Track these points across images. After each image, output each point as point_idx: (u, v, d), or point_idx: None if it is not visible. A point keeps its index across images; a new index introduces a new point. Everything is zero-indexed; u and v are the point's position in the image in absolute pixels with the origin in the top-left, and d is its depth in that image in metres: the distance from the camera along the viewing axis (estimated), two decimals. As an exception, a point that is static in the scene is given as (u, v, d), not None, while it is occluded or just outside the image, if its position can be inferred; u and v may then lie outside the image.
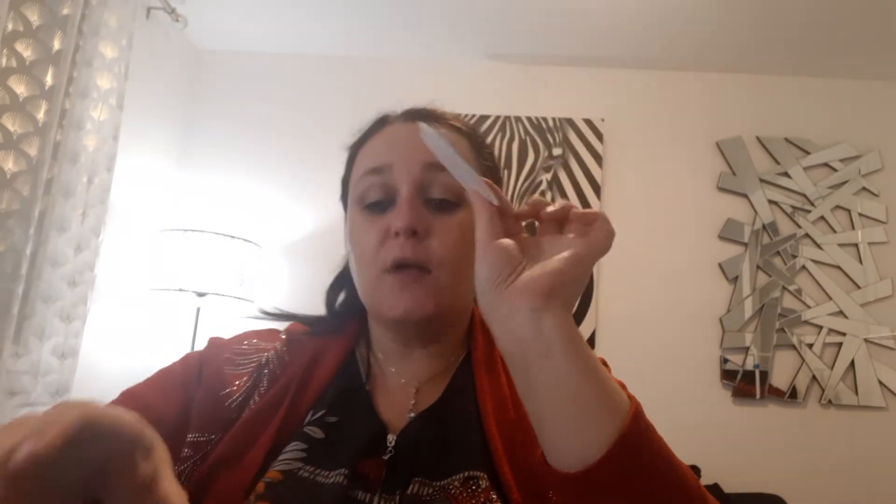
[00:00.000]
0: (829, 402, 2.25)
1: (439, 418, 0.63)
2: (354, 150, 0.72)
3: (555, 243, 0.50)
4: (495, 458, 0.58)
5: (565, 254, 0.48)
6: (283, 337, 0.71)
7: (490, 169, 0.71)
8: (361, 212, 0.66)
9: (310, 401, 0.64)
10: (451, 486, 0.55)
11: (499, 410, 0.62)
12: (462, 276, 0.64)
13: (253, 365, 0.67)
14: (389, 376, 0.69)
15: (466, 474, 0.56)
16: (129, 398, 0.63)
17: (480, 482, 0.55)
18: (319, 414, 0.62)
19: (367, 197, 0.65)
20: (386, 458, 0.59)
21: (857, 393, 2.24)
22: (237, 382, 0.65)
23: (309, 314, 0.74)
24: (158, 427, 0.59)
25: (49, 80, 1.71)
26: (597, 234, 0.49)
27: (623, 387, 0.50)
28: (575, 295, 0.49)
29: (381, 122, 0.71)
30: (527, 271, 0.48)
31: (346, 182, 0.73)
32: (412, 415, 0.64)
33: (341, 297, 0.76)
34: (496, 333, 0.49)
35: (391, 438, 0.61)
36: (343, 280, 0.76)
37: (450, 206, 0.65)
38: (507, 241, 0.49)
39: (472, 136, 0.71)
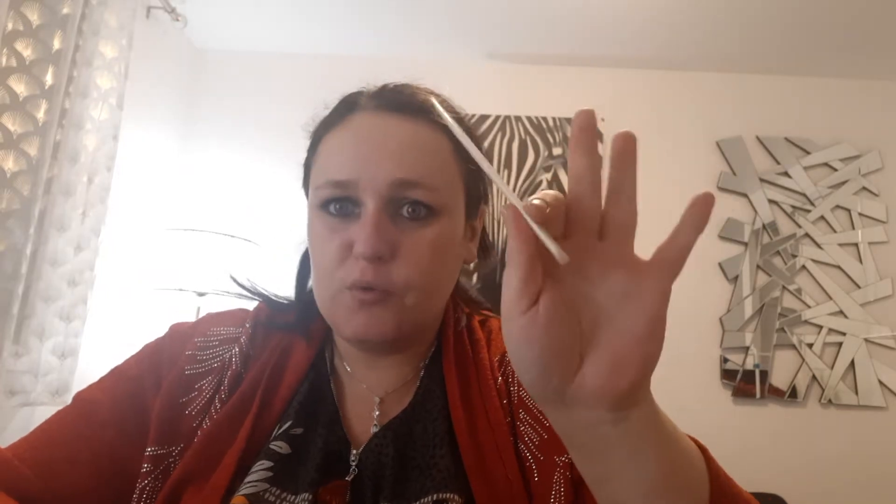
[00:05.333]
0: (829, 401, 2.24)
1: (405, 432, 0.58)
2: (318, 136, 0.63)
3: (610, 282, 0.36)
4: (469, 477, 0.54)
5: (639, 322, 0.35)
6: (248, 325, 0.65)
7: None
8: (321, 215, 0.59)
9: (277, 411, 0.59)
10: None
11: (471, 421, 0.58)
12: (432, 294, 0.59)
13: (217, 363, 0.62)
14: (355, 384, 0.63)
15: (436, 497, 0.52)
16: (83, 407, 0.59)
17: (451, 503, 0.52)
18: (286, 426, 0.58)
19: (328, 202, 0.58)
20: (349, 478, 0.55)
21: (857, 393, 2.24)
22: (198, 385, 0.60)
23: (278, 296, 0.69)
24: (111, 441, 0.57)
25: (49, 79, 1.71)
26: (666, 260, 0.37)
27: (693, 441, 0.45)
28: (654, 366, 0.36)
29: (349, 107, 0.61)
30: (591, 357, 0.36)
31: (307, 168, 0.65)
32: (376, 428, 0.59)
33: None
34: (559, 432, 0.41)
35: (354, 454, 0.57)
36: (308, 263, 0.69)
37: (424, 215, 0.57)
38: (557, 313, 0.35)
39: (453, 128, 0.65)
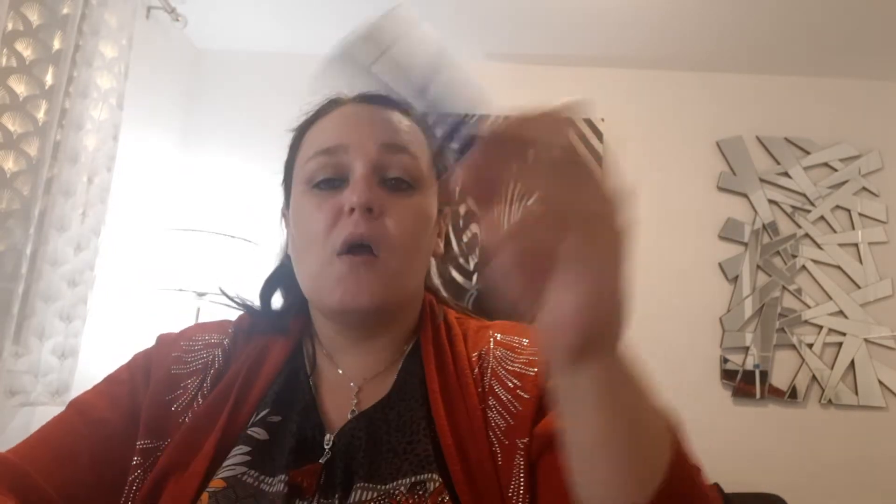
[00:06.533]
0: (829, 402, 2.25)
1: (381, 417, 0.60)
2: (301, 132, 0.68)
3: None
4: (447, 457, 0.55)
5: (582, 286, 0.33)
6: (231, 331, 0.68)
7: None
8: (310, 191, 0.62)
9: (254, 400, 0.61)
10: (396, 492, 0.53)
11: (449, 406, 0.60)
12: (412, 262, 0.63)
13: (200, 364, 0.65)
14: (334, 372, 0.66)
15: (414, 479, 0.53)
16: (79, 409, 0.62)
17: (429, 485, 0.53)
18: (263, 413, 0.60)
19: (316, 176, 0.62)
20: (323, 461, 0.57)
21: (857, 393, 2.24)
22: (184, 384, 0.63)
23: (262, 308, 0.72)
24: (108, 438, 0.59)
25: (49, 79, 1.71)
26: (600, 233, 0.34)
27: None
28: (618, 328, 0.35)
29: (332, 104, 0.67)
30: (545, 308, 0.34)
31: (289, 165, 0.69)
32: (353, 414, 0.61)
33: (278, 294, 0.72)
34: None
35: (328, 438, 0.59)
36: (279, 278, 0.73)
37: (406, 187, 0.62)
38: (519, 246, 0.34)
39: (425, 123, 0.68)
